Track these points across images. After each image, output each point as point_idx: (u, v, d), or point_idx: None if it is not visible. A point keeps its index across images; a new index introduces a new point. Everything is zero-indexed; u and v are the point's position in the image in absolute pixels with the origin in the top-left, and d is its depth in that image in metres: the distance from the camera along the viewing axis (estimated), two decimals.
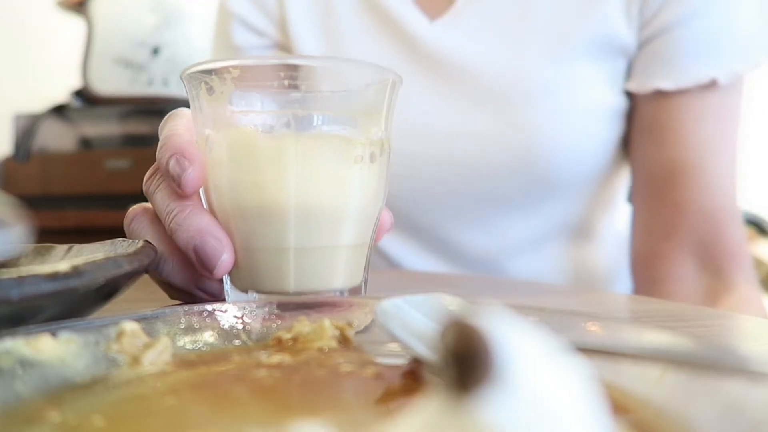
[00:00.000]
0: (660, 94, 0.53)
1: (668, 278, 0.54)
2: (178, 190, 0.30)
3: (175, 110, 0.34)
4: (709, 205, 0.52)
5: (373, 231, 0.33)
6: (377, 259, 0.64)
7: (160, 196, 0.31)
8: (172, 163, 0.30)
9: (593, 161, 0.56)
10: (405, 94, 0.58)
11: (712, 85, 0.51)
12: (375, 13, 0.60)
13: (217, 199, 0.31)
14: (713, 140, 0.53)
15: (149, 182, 0.32)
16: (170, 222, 0.30)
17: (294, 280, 0.30)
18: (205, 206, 0.32)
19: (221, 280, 0.32)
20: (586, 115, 0.54)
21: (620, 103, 0.56)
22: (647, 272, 0.56)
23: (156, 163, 0.32)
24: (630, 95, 0.56)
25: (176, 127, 0.32)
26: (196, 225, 0.30)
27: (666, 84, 0.52)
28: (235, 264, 0.31)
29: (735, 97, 0.53)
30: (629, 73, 0.55)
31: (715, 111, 0.53)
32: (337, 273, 0.31)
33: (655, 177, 0.55)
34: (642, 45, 0.53)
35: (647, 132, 0.55)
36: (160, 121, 0.33)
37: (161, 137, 0.32)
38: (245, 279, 0.31)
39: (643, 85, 0.53)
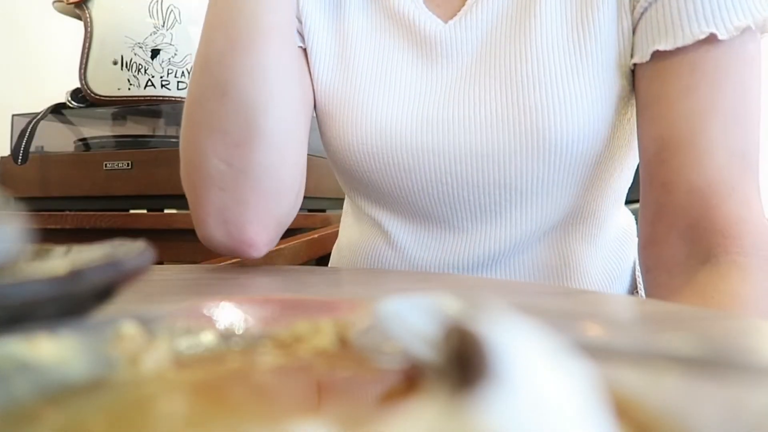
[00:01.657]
0: (657, 62, 0.52)
1: (658, 266, 0.53)
2: None
3: None
4: (699, 182, 0.49)
5: None
6: (388, 251, 0.65)
7: None
8: None
9: (602, 143, 0.57)
10: (421, 89, 0.60)
11: (711, 41, 0.49)
12: (387, 15, 0.63)
13: None
14: (704, 112, 0.50)
15: None
16: None
17: None
18: None
19: None
20: (596, 95, 0.56)
21: (626, 85, 0.57)
22: (642, 259, 0.55)
23: None
24: (633, 75, 0.57)
25: None
26: None
27: (664, 45, 0.51)
28: None
29: (738, 64, 0.50)
30: (632, 52, 0.56)
31: (710, 78, 0.50)
32: None
33: (647, 157, 0.54)
34: (637, 20, 0.54)
35: (642, 110, 0.55)
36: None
37: None
38: None
39: (644, 53, 0.53)
